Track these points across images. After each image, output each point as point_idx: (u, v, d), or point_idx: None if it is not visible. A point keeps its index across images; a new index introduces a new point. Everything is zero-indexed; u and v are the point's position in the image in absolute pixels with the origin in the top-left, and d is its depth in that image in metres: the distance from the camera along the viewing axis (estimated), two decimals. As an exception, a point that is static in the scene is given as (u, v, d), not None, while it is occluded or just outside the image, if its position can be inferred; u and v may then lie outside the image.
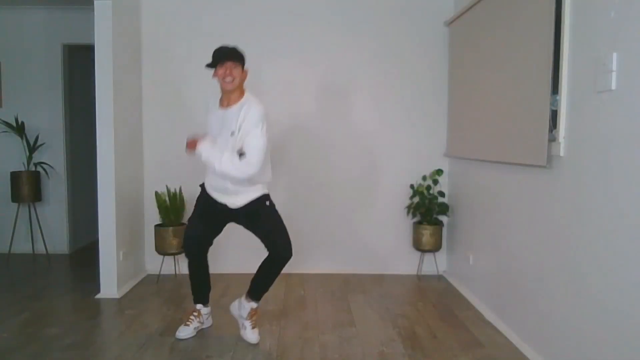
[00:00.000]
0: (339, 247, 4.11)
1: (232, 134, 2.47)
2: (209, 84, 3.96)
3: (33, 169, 4.53)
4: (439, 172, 3.98)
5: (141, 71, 3.98)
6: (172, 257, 3.91)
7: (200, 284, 2.81)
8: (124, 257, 3.59)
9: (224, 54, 2.52)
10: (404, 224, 4.08)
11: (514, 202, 2.81)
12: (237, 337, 2.78)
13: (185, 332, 2.72)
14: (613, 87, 1.92)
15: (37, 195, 4.51)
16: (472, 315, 3.17)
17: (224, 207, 2.64)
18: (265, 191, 2.66)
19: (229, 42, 3.94)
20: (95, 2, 3.36)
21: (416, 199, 3.96)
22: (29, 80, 4.64)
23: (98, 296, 3.44)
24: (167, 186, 3.85)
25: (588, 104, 2.09)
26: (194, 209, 2.78)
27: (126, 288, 3.62)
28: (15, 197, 4.44)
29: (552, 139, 2.34)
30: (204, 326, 2.83)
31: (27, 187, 4.43)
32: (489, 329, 2.93)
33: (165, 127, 4.02)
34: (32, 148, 4.51)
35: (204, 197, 2.72)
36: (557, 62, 2.29)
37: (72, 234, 4.84)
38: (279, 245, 2.60)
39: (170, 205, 3.79)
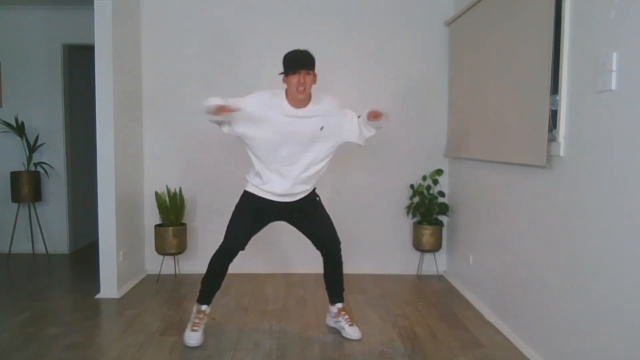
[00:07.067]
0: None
1: (322, 128, 2.57)
2: (209, 84, 3.99)
3: (33, 169, 4.53)
4: (439, 172, 3.98)
5: (141, 71, 3.98)
6: (172, 257, 3.91)
7: (216, 287, 2.78)
8: (124, 257, 3.59)
9: (298, 61, 2.48)
10: (404, 224, 4.08)
11: (514, 202, 2.81)
12: (238, 337, 2.79)
13: (195, 338, 2.66)
14: (613, 87, 1.91)
15: (37, 195, 4.51)
16: (472, 315, 3.17)
17: (279, 205, 2.67)
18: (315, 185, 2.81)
19: (228, 41, 3.98)
20: (95, 2, 3.36)
21: (416, 199, 3.96)
22: (29, 80, 4.64)
23: (98, 296, 3.44)
24: (167, 186, 3.85)
25: (588, 104, 2.09)
26: (236, 217, 2.70)
27: (126, 288, 3.62)
28: (15, 197, 4.44)
29: (552, 139, 2.34)
30: None
31: (27, 187, 4.43)
32: (489, 329, 2.94)
33: (166, 127, 4.02)
34: (32, 148, 4.51)
35: (252, 202, 2.69)
36: (557, 62, 2.29)
37: (72, 234, 4.84)
38: (326, 239, 2.79)
39: (170, 205, 3.79)
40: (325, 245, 2.79)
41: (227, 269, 2.73)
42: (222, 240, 2.71)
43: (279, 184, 2.62)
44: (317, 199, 2.83)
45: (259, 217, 2.72)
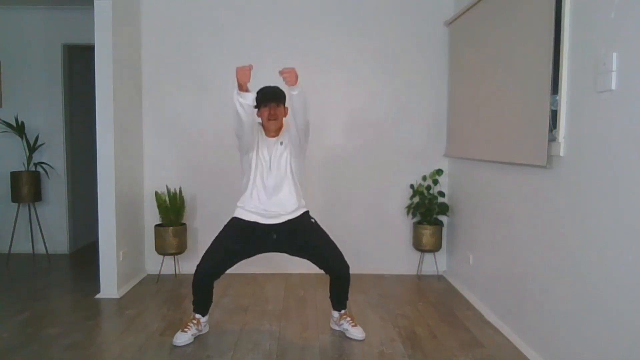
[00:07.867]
0: (339, 248, 4.10)
1: (282, 143, 2.71)
2: (209, 83, 3.99)
3: (33, 169, 4.53)
4: (439, 172, 3.98)
5: (141, 71, 3.98)
6: (172, 257, 3.91)
7: (204, 299, 2.79)
8: (124, 257, 3.59)
9: (268, 95, 2.69)
10: (404, 224, 4.08)
11: (514, 202, 2.81)
12: (237, 337, 2.79)
13: (182, 338, 2.68)
14: (613, 87, 1.92)
15: (37, 195, 4.51)
16: (472, 315, 3.17)
17: (265, 227, 2.67)
18: (306, 209, 2.80)
19: (228, 41, 3.98)
20: (95, 2, 3.36)
21: (416, 199, 3.96)
22: (29, 80, 4.64)
23: (98, 296, 3.44)
24: (167, 186, 3.85)
25: (588, 104, 2.09)
26: (219, 240, 2.73)
27: (126, 288, 3.62)
28: (15, 197, 4.44)
29: (552, 139, 2.34)
30: (201, 333, 2.81)
31: (27, 187, 4.43)
32: (489, 329, 2.94)
33: (165, 127, 4.02)
34: (32, 148, 4.51)
35: (239, 228, 2.71)
36: (557, 62, 2.29)
37: (72, 234, 4.84)
38: (332, 262, 2.77)
39: (170, 206, 3.79)
40: (332, 267, 2.77)
41: (211, 289, 2.77)
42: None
43: (263, 204, 2.68)
44: (313, 220, 2.80)
45: (245, 242, 2.70)
